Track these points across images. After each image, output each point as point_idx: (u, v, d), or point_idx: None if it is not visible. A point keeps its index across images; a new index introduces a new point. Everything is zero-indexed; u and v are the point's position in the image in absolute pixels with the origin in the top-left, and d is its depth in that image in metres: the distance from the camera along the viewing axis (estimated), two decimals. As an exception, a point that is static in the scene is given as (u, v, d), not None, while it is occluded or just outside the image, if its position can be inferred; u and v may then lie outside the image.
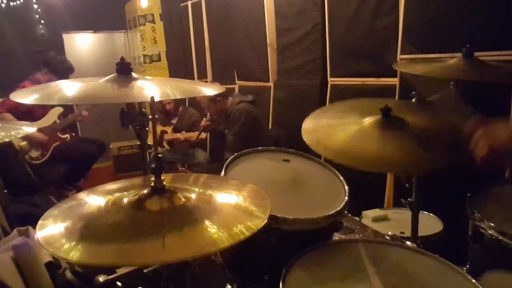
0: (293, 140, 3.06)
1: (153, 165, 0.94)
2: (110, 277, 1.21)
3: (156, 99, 1.08)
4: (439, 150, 1.24)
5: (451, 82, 1.56)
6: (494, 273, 1.19)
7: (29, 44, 5.61)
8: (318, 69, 3.27)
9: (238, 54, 4.21)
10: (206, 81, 4.81)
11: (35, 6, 5.65)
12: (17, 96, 1.20)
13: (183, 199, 0.94)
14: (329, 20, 3.06)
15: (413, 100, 1.57)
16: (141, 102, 1.36)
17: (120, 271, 1.22)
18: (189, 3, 5.06)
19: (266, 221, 0.88)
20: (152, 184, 0.94)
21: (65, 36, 6.20)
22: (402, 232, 1.81)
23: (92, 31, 6.48)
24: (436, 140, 1.28)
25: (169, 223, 0.86)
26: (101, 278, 1.22)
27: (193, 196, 0.98)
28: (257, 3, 3.74)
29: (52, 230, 0.85)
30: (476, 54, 1.53)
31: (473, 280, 1.00)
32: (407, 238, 1.60)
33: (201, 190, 1.03)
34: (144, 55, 5.89)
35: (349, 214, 1.92)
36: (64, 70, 3.90)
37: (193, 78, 5.19)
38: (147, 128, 1.41)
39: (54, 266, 1.48)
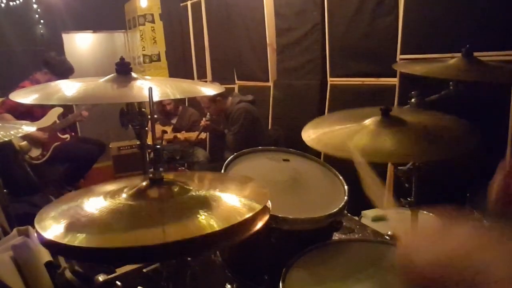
0: (292, 140, 3.06)
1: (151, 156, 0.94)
2: (109, 276, 1.22)
3: (156, 99, 1.08)
4: (438, 142, 1.25)
5: (451, 82, 1.56)
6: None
7: (29, 44, 5.60)
8: (317, 69, 3.27)
9: (237, 54, 4.21)
10: (206, 81, 4.81)
11: (35, 6, 5.65)
12: (17, 96, 1.20)
13: (181, 190, 0.94)
14: (329, 20, 3.06)
15: (413, 100, 1.57)
16: (141, 102, 1.36)
17: (120, 271, 1.22)
18: (188, 3, 5.07)
19: (264, 208, 0.88)
20: (151, 175, 0.94)
21: (65, 36, 6.19)
22: (401, 232, 1.81)
23: (91, 31, 6.48)
24: (435, 134, 1.29)
25: (168, 211, 0.87)
26: (101, 278, 1.22)
27: (191, 187, 0.98)
28: (257, 3, 3.74)
29: (53, 223, 0.85)
30: (476, 54, 1.53)
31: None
32: (407, 238, 1.60)
33: (199, 183, 1.03)
34: (144, 55, 5.89)
35: (349, 214, 1.92)
36: (64, 71, 3.90)
37: (192, 78, 5.19)
38: (146, 128, 1.41)
39: (53, 265, 1.48)
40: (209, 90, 1.44)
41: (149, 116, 1.33)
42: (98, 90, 1.22)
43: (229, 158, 1.46)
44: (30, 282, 1.42)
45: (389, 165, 2.62)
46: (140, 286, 1.13)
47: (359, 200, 1.67)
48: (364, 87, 2.90)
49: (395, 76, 2.60)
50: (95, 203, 0.91)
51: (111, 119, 4.68)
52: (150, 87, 1.01)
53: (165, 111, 4.44)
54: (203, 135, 4.13)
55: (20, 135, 1.80)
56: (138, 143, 1.43)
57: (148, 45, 5.85)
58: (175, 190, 0.93)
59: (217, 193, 0.97)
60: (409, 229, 0.69)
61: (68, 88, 1.24)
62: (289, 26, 3.47)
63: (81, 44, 6.49)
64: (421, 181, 1.51)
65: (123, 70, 1.29)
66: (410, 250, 0.65)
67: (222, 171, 1.37)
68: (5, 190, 2.18)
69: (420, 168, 1.47)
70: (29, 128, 1.85)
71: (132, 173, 4.34)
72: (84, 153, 4.21)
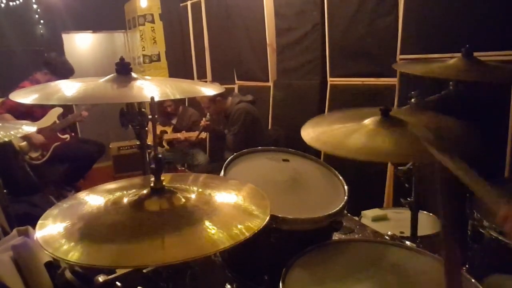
0: (292, 140, 3.06)
1: (152, 165, 0.94)
2: (109, 277, 1.22)
3: (156, 99, 1.08)
4: (438, 141, 1.24)
5: (451, 82, 1.56)
6: (496, 276, 1.18)
7: (29, 44, 5.60)
8: (317, 69, 3.27)
9: (237, 54, 4.21)
10: (206, 81, 4.81)
11: (35, 6, 5.65)
12: (17, 96, 1.20)
13: (183, 200, 0.94)
14: (329, 20, 3.06)
15: (413, 100, 1.57)
16: (141, 102, 1.36)
17: (120, 271, 1.22)
18: (188, 3, 5.06)
19: (266, 221, 0.88)
20: (152, 184, 0.94)
21: (65, 36, 6.19)
22: (401, 232, 1.81)
23: (91, 31, 6.48)
24: (435, 133, 1.29)
25: (169, 223, 0.86)
26: (101, 278, 1.22)
27: (193, 196, 0.98)
28: (257, 3, 3.74)
29: (51, 230, 0.85)
30: (476, 54, 1.53)
31: (473, 280, 1.00)
32: (407, 238, 1.61)
33: (200, 190, 1.03)
34: (144, 55, 5.89)
35: (349, 214, 1.92)
36: (65, 72, 3.90)
37: (192, 78, 5.19)
38: (146, 128, 1.41)
39: (53, 266, 1.48)
40: (209, 90, 1.44)
41: (149, 116, 1.34)
42: (98, 90, 1.22)
43: (229, 158, 1.46)
44: (30, 282, 1.42)
45: (389, 165, 2.62)
46: (140, 286, 1.13)
47: (359, 200, 1.68)
48: (364, 87, 2.90)
49: (395, 76, 2.60)
50: (95, 213, 0.91)
51: (111, 119, 4.69)
52: (153, 96, 1.01)
53: (166, 112, 4.44)
54: (203, 135, 4.13)
55: (20, 135, 1.80)
56: (138, 143, 1.43)
57: (148, 45, 5.85)
58: (176, 200, 0.93)
59: (218, 201, 0.98)
60: None
61: (68, 88, 1.24)
62: (289, 26, 3.47)
63: (81, 44, 6.48)
64: (421, 181, 1.52)
65: (123, 70, 1.29)
66: None
67: (222, 171, 1.37)
68: (5, 190, 2.18)
69: (420, 168, 1.47)
70: (29, 128, 1.85)
71: (132, 173, 4.35)
72: (84, 153, 4.21)
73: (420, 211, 1.63)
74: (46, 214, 0.93)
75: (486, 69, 1.52)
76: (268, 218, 0.90)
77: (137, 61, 6.09)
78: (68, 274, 1.41)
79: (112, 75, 1.28)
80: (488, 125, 2.04)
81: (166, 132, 4.39)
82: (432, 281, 1.04)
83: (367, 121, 1.30)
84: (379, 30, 2.73)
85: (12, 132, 1.71)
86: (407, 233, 1.66)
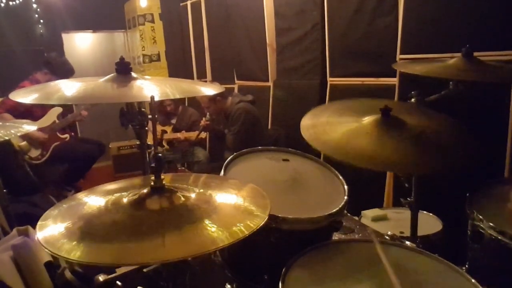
0: (292, 139, 3.06)
1: (152, 165, 0.94)
2: (110, 276, 1.21)
3: (156, 99, 1.08)
4: (438, 152, 1.24)
5: (451, 82, 1.56)
6: None
7: (29, 44, 5.60)
8: (317, 69, 3.27)
9: (237, 54, 4.21)
10: (206, 81, 4.81)
11: (34, 5, 5.65)
12: (17, 95, 1.20)
13: (183, 198, 0.94)
14: (329, 20, 3.06)
15: (412, 100, 1.57)
16: (141, 101, 1.36)
17: (120, 271, 1.22)
18: (188, 2, 5.06)
19: (265, 220, 0.88)
20: (152, 183, 0.94)
21: (65, 36, 6.19)
22: (401, 232, 1.81)
23: (91, 30, 6.48)
24: (435, 142, 1.29)
25: (169, 222, 0.86)
26: (101, 278, 1.22)
27: (193, 195, 0.98)
28: (257, 3, 3.74)
29: (52, 230, 0.85)
30: (476, 54, 1.53)
31: (473, 280, 1.01)
32: (407, 238, 1.61)
33: (200, 190, 1.03)
34: (144, 55, 5.89)
35: (349, 214, 1.92)
36: (65, 72, 3.90)
37: (192, 78, 5.19)
38: (146, 128, 1.41)
39: (53, 265, 1.48)
40: (209, 90, 1.44)
41: (149, 116, 1.34)
42: (98, 90, 1.22)
43: (229, 158, 1.46)
44: (30, 282, 1.42)
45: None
46: (140, 286, 1.13)
47: (359, 200, 1.68)
48: (364, 87, 2.90)
49: (395, 76, 2.60)
50: (95, 212, 0.91)
51: (111, 119, 4.69)
52: (152, 96, 1.01)
53: (166, 111, 4.44)
54: (203, 135, 4.13)
55: (20, 134, 1.80)
56: (138, 143, 1.43)
57: (148, 45, 5.85)
58: (176, 199, 0.93)
59: (218, 200, 0.98)
60: None
61: (68, 88, 1.24)
62: (289, 26, 3.47)
63: (81, 44, 6.49)
64: (421, 181, 1.52)
65: (123, 70, 1.29)
66: None
67: (222, 171, 1.37)
68: (5, 190, 2.18)
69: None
70: (29, 127, 1.85)
71: (132, 173, 4.35)
72: (84, 153, 4.21)
73: (420, 211, 1.63)
74: (46, 214, 0.93)
75: (486, 69, 1.52)
76: (267, 217, 0.90)
77: (137, 61, 6.09)
78: (68, 273, 1.41)
79: (112, 74, 1.28)
80: (488, 125, 2.05)
81: (166, 132, 4.39)
82: (432, 281, 1.04)
83: (366, 121, 1.29)
84: (379, 30, 2.73)
85: (12, 131, 1.71)
86: (407, 233, 1.66)
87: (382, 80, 2.77)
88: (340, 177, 1.44)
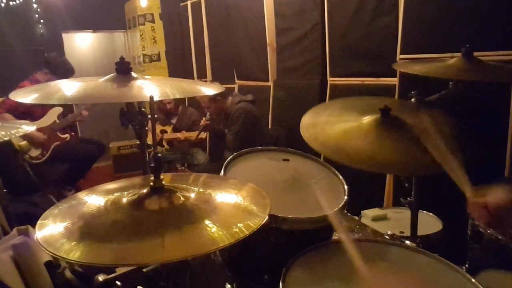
0: (292, 139, 3.06)
1: (152, 165, 0.94)
2: (109, 276, 1.21)
3: (156, 98, 1.08)
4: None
5: (451, 82, 1.56)
6: (491, 272, 1.18)
7: (29, 43, 5.60)
8: (317, 69, 3.27)
9: (237, 53, 4.21)
10: (206, 81, 4.81)
11: (35, 5, 5.65)
12: (17, 95, 1.20)
13: (182, 198, 0.94)
14: (329, 20, 3.06)
15: (412, 99, 1.57)
16: (141, 101, 1.36)
17: (120, 270, 1.22)
18: (188, 2, 5.06)
19: (265, 219, 0.88)
20: (151, 183, 0.94)
21: (65, 36, 6.19)
22: (401, 232, 1.81)
23: (91, 30, 6.48)
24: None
25: (168, 222, 0.86)
26: (101, 277, 1.22)
27: (193, 195, 0.98)
28: (257, 3, 3.74)
29: (51, 230, 0.85)
30: (476, 54, 1.53)
31: (473, 280, 1.01)
32: (407, 238, 1.61)
33: (200, 190, 1.03)
34: (144, 55, 5.89)
35: (349, 214, 1.92)
36: (65, 72, 3.90)
37: (192, 78, 5.19)
38: (146, 128, 1.41)
39: (53, 265, 1.48)
40: (209, 89, 1.44)
41: (149, 116, 1.34)
42: (98, 89, 1.22)
43: (229, 158, 1.46)
44: (30, 281, 1.42)
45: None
46: (140, 286, 1.13)
47: (359, 200, 1.68)
48: (364, 87, 2.90)
49: (395, 76, 2.60)
50: (95, 212, 0.91)
51: (111, 119, 4.70)
52: (152, 95, 1.01)
53: (165, 110, 4.44)
54: (203, 135, 4.13)
55: (20, 134, 1.80)
56: (138, 142, 1.43)
57: (148, 44, 5.85)
58: (176, 199, 0.93)
59: (218, 200, 0.98)
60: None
61: (68, 88, 1.24)
62: (289, 26, 3.47)
63: (81, 43, 6.49)
64: (421, 181, 1.52)
65: (123, 70, 1.29)
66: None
67: (222, 171, 1.37)
68: (5, 190, 2.18)
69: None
70: (29, 127, 1.85)
71: (132, 173, 4.35)
72: (84, 153, 4.21)
73: (420, 211, 1.63)
74: (46, 214, 0.93)
75: (486, 69, 1.52)
76: (267, 217, 0.90)
77: (137, 61, 6.09)
78: (68, 273, 1.41)
79: (112, 74, 1.28)
80: (488, 125, 2.05)
81: (166, 132, 4.39)
82: (432, 280, 1.04)
83: (366, 121, 1.29)
84: (379, 30, 2.73)
85: (12, 132, 1.71)
86: (407, 232, 1.66)
87: (382, 80, 2.77)
88: (340, 177, 1.44)
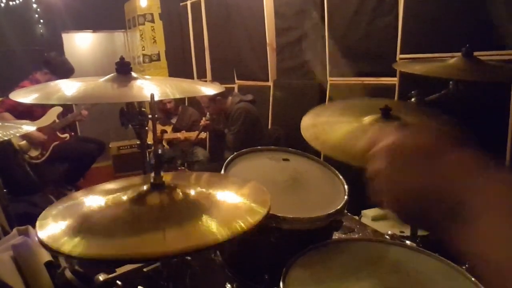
0: (292, 139, 3.06)
1: (152, 161, 0.94)
2: (110, 276, 1.22)
3: (156, 98, 1.08)
4: None
5: (451, 82, 1.56)
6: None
7: (29, 43, 5.60)
8: (317, 69, 3.27)
9: (237, 53, 4.21)
10: (206, 81, 4.81)
11: (35, 5, 5.65)
12: (17, 95, 1.20)
13: (183, 195, 0.94)
14: (329, 20, 3.06)
15: (412, 99, 1.57)
16: (141, 101, 1.36)
17: (120, 270, 1.22)
18: (188, 2, 5.06)
19: (266, 214, 0.88)
20: (152, 180, 0.94)
21: (65, 36, 6.19)
22: (401, 231, 1.81)
23: (91, 30, 6.48)
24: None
25: (169, 217, 0.86)
26: (101, 277, 1.22)
27: (193, 192, 0.98)
28: (257, 3, 3.74)
29: (52, 226, 0.85)
30: (476, 53, 1.53)
31: (473, 279, 1.01)
32: (407, 237, 1.61)
33: (200, 186, 1.03)
34: (144, 55, 5.89)
35: (349, 213, 1.92)
36: (65, 71, 3.90)
37: (192, 78, 5.19)
38: (146, 128, 1.41)
39: (53, 265, 1.48)
40: (209, 89, 1.44)
41: (149, 116, 1.34)
42: (98, 89, 1.22)
43: (229, 158, 1.46)
44: (30, 281, 1.42)
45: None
46: (141, 285, 1.13)
47: (359, 200, 1.68)
48: (364, 86, 2.90)
49: (395, 76, 2.60)
50: (95, 208, 0.91)
51: (111, 119, 4.69)
52: (152, 93, 1.01)
53: (166, 109, 4.44)
54: (203, 135, 4.14)
55: (19, 134, 1.80)
56: (138, 142, 1.43)
57: (148, 44, 5.85)
58: (176, 195, 0.93)
59: (219, 196, 0.97)
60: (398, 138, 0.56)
61: (68, 88, 1.24)
62: (289, 25, 3.47)
63: (81, 43, 6.49)
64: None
65: (123, 70, 1.29)
66: (393, 161, 0.55)
67: (222, 170, 1.37)
68: (5, 190, 2.18)
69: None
70: (28, 127, 1.85)
71: (132, 173, 4.34)
72: (83, 153, 4.21)
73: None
74: (45, 212, 0.92)
75: (486, 69, 1.52)
76: (268, 210, 0.90)
77: (137, 61, 6.09)
78: (68, 273, 1.41)
79: (112, 74, 1.28)
80: (488, 125, 2.05)
81: (166, 132, 4.39)
82: (432, 280, 1.04)
83: (366, 121, 1.29)
84: (379, 29, 2.73)
85: (11, 132, 1.71)
86: (407, 232, 1.66)
87: (382, 80, 2.77)
88: (340, 177, 1.44)
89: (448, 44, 2.18)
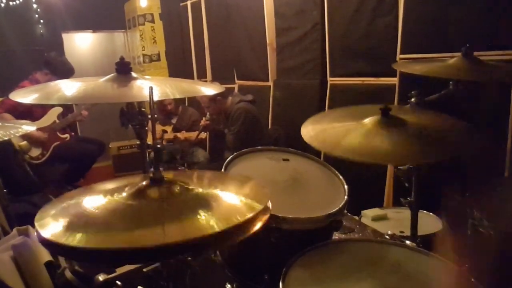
0: (292, 139, 3.06)
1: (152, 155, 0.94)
2: (110, 276, 1.22)
3: (156, 98, 1.08)
4: (436, 144, 1.25)
5: (451, 82, 1.56)
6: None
7: (29, 44, 5.60)
8: (317, 69, 3.27)
9: (237, 53, 4.21)
10: (206, 81, 4.81)
11: (35, 5, 5.65)
12: (17, 95, 1.20)
13: (182, 190, 0.94)
14: (329, 19, 3.06)
15: (412, 99, 1.57)
16: (141, 101, 1.36)
17: (120, 270, 1.22)
18: (188, 2, 5.06)
19: (265, 208, 0.88)
20: (151, 175, 0.94)
21: (65, 36, 6.19)
22: (401, 231, 1.81)
23: (91, 30, 6.48)
24: (434, 134, 1.29)
25: (168, 211, 0.86)
26: (101, 277, 1.22)
27: (192, 187, 0.97)
28: (257, 3, 3.74)
29: (53, 223, 0.85)
30: (476, 53, 1.53)
31: (473, 279, 1.01)
32: (407, 237, 1.61)
33: (200, 182, 1.03)
34: (144, 55, 5.89)
35: (349, 214, 1.92)
36: (65, 72, 3.89)
37: (192, 78, 5.19)
38: (146, 128, 1.41)
39: (53, 265, 1.48)
40: (209, 89, 1.44)
41: (149, 116, 1.34)
42: (98, 89, 1.22)
43: (229, 158, 1.46)
44: (30, 282, 1.42)
45: (389, 165, 2.62)
46: (140, 285, 1.13)
47: (359, 200, 1.68)
48: (364, 86, 2.90)
49: (395, 76, 2.60)
50: (95, 202, 0.91)
51: (111, 119, 4.69)
52: (151, 86, 1.01)
53: (166, 110, 4.44)
54: (203, 135, 4.14)
55: (19, 134, 1.80)
56: (138, 142, 1.43)
57: (148, 44, 5.85)
58: (175, 189, 0.93)
59: (218, 192, 0.97)
60: None
61: (68, 88, 1.24)
62: (289, 25, 3.47)
63: (81, 44, 6.49)
64: (421, 181, 1.52)
65: (123, 70, 1.29)
66: None
67: (222, 170, 1.37)
68: (5, 190, 2.18)
69: (420, 168, 1.47)
70: (28, 127, 1.85)
71: (132, 173, 4.34)
72: (84, 153, 4.21)
73: (420, 210, 1.63)
74: (45, 208, 0.92)
75: (486, 69, 1.52)
76: (268, 206, 0.90)
77: (137, 61, 6.09)
78: (68, 273, 1.41)
79: (112, 74, 1.28)
80: (488, 125, 2.05)
81: (166, 132, 4.39)
82: (432, 280, 1.04)
83: (366, 121, 1.30)
84: (379, 29, 2.73)
85: (11, 132, 1.71)
86: (407, 232, 1.66)
87: (382, 80, 2.77)
88: (340, 177, 1.44)
89: (448, 44, 2.18)
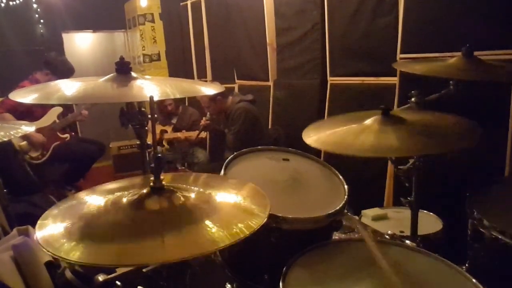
0: (292, 139, 3.06)
1: (152, 165, 0.94)
2: (109, 276, 1.22)
3: (156, 98, 1.08)
4: (438, 137, 1.25)
5: (451, 82, 1.56)
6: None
7: (29, 43, 5.60)
8: (317, 69, 3.27)
9: (237, 53, 4.21)
10: (206, 81, 4.81)
11: (35, 5, 5.65)
12: (17, 95, 1.20)
13: (182, 199, 0.94)
14: (329, 19, 3.06)
15: (412, 99, 1.57)
16: (141, 101, 1.36)
17: (120, 271, 1.22)
18: (188, 2, 5.06)
19: (265, 219, 0.88)
20: (151, 184, 0.94)
21: (65, 36, 6.19)
22: (401, 231, 1.81)
23: (91, 30, 6.48)
24: (435, 130, 1.29)
25: (169, 222, 0.86)
26: (101, 278, 1.22)
27: (193, 195, 0.98)
28: (257, 3, 3.74)
29: (51, 230, 0.85)
30: (476, 53, 1.53)
31: (473, 280, 1.01)
32: (407, 237, 1.61)
33: (200, 190, 1.03)
34: (144, 55, 5.89)
35: (349, 213, 1.92)
36: (65, 71, 3.89)
37: (192, 78, 5.19)
38: (146, 128, 1.41)
39: (53, 265, 1.48)
40: (209, 89, 1.44)
41: (149, 116, 1.34)
42: (98, 89, 1.22)
43: (229, 158, 1.46)
44: (30, 282, 1.42)
45: (389, 164, 2.62)
46: (140, 285, 1.13)
47: (359, 200, 1.68)
48: (364, 86, 2.90)
49: (395, 76, 2.60)
50: (95, 212, 0.91)
51: (111, 119, 4.68)
52: (152, 95, 1.01)
53: (166, 111, 4.44)
54: (203, 135, 4.14)
55: (19, 135, 1.80)
56: (138, 142, 1.43)
57: (148, 44, 5.85)
58: (175, 200, 0.93)
59: (218, 200, 0.97)
60: None
61: (68, 88, 1.24)
62: (289, 25, 3.47)
63: (81, 43, 6.48)
64: (421, 181, 1.52)
65: (123, 70, 1.29)
66: None
67: (222, 170, 1.37)
68: (5, 190, 2.18)
69: (420, 168, 1.47)
70: (28, 128, 1.85)
71: (132, 173, 4.35)
72: (84, 153, 4.21)
73: (420, 210, 1.63)
74: (46, 214, 0.93)
75: (486, 69, 1.52)
76: (267, 216, 0.90)
77: (137, 61, 6.09)
78: (68, 273, 1.41)
79: (112, 74, 1.28)
80: (488, 125, 2.04)
81: (166, 132, 4.39)
82: (432, 280, 1.04)
83: (368, 121, 1.30)
84: (379, 29, 2.73)
85: (11, 132, 1.71)
86: (407, 232, 1.66)
87: (382, 80, 2.77)
88: (340, 177, 1.44)
89: (448, 44, 2.18)
